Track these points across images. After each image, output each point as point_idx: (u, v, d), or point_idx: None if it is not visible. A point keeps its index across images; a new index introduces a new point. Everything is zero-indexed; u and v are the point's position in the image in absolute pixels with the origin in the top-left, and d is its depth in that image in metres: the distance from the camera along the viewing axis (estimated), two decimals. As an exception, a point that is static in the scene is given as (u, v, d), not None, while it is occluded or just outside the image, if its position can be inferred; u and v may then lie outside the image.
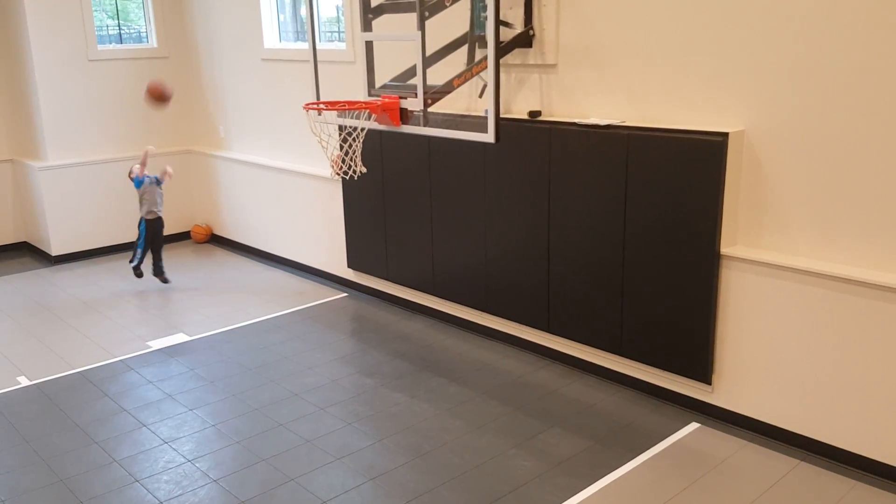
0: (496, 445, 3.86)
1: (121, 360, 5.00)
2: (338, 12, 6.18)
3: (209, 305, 5.99)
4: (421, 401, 4.35)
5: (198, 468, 3.74)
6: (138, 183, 6.17)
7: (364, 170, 4.60)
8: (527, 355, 4.89)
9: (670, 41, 3.88)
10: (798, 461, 3.65)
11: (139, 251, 6.29)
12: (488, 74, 3.81)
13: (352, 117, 4.42)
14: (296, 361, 4.91)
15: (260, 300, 6.08)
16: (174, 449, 3.91)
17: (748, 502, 3.35)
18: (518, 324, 4.93)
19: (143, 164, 6.13)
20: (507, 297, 4.90)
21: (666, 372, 4.19)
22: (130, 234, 7.44)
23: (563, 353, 4.74)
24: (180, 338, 5.37)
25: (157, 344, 5.26)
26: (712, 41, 3.73)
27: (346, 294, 6.16)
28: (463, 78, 4.23)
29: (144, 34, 7.47)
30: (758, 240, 3.76)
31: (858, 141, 3.33)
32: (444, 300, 5.42)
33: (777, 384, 3.76)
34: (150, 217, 6.22)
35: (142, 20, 7.46)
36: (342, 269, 6.25)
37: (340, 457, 3.80)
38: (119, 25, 7.48)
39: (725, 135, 3.64)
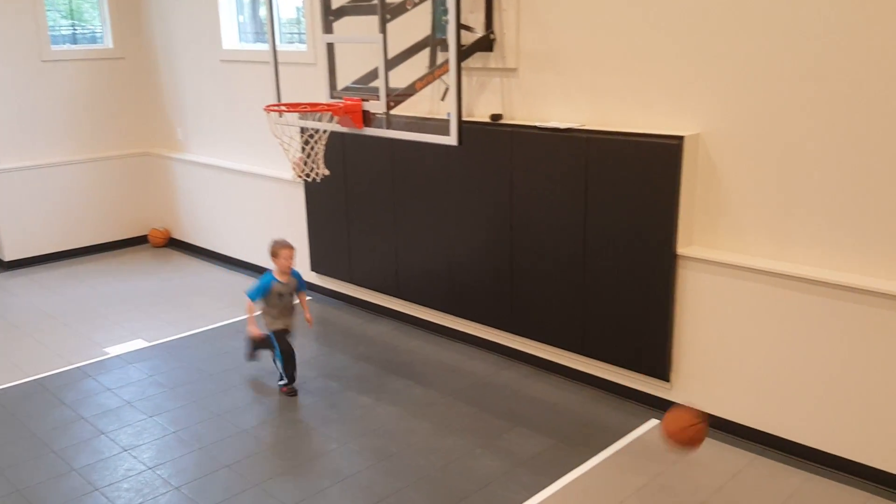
0: (462, 446, 3.89)
1: (78, 368, 4.90)
2: (298, 13, 6.14)
3: (168, 310, 5.90)
4: (386, 403, 4.36)
5: (159, 476, 3.69)
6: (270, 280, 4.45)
7: (326, 172, 4.59)
8: (491, 356, 4.93)
9: (628, 46, 3.96)
10: (754, 455, 3.74)
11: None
12: (450, 78, 3.84)
13: (313, 119, 4.41)
14: (258, 366, 4.87)
15: (221, 304, 6.01)
16: (134, 457, 3.85)
17: (707, 496, 3.44)
18: (482, 325, 4.97)
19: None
20: (471, 298, 4.93)
21: (626, 370, 4.27)
22: (85, 237, 7.30)
23: (526, 354, 4.79)
24: (139, 343, 5.28)
25: (114, 350, 5.17)
26: (668, 46, 3.81)
27: (309, 297, 6.12)
28: (425, 81, 4.26)
29: (99, 35, 7.34)
30: (714, 240, 3.85)
31: (810, 144, 3.43)
32: (408, 302, 5.42)
33: (733, 380, 3.86)
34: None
35: (97, 20, 7.32)
36: (305, 273, 6.21)
37: (305, 461, 3.79)
38: (73, 26, 7.32)
39: (681, 138, 3.73)
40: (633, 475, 3.60)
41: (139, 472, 3.71)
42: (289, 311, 4.52)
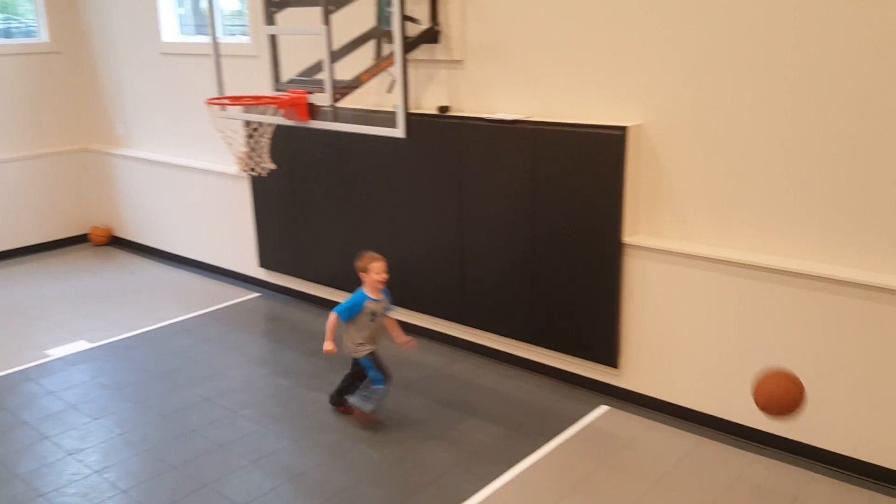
0: (414, 438, 3.89)
1: (18, 371, 4.74)
2: (241, 5, 6.03)
3: (112, 310, 5.76)
4: (338, 398, 4.33)
5: (105, 479, 3.60)
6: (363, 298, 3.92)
7: (272, 166, 4.53)
8: (443, 348, 4.94)
9: (572, 38, 3.99)
10: (702, 438, 3.83)
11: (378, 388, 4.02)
12: (396, 70, 3.82)
13: (257, 113, 4.34)
14: (207, 365, 4.79)
15: (167, 303, 5.88)
16: (79, 461, 3.75)
17: (656, 478, 3.51)
18: (433, 317, 4.97)
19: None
20: (422, 291, 4.93)
21: (576, 358, 4.32)
22: (23, 237, 7.06)
23: (478, 345, 4.81)
24: (81, 345, 5.14)
25: (56, 352, 5.02)
26: (612, 38, 3.85)
27: (258, 294, 6.05)
28: (371, 73, 4.23)
29: (34, 28, 7.08)
30: (659, 229, 3.92)
31: (749, 133, 3.52)
32: (358, 296, 5.39)
33: (680, 365, 3.94)
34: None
35: (31, 14, 7.06)
36: (253, 269, 6.13)
37: (256, 459, 3.74)
38: (7, 20, 7.05)
39: (624, 129, 3.78)
40: (585, 461, 3.66)
41: (85, 477, 3.62)
42: (380, 333, 4.00)
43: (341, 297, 5.53)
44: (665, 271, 3.87)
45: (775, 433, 3.67)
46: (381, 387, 3.93)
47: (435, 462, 3.68)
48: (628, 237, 3.94)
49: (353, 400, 3.99)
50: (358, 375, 4.04)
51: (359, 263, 3.91)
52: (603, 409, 4.14)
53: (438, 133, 4.52)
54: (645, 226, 3.96)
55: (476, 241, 4.54)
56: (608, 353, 4.15)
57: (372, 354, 3.94)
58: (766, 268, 3.52)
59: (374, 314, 3.91)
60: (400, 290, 5.05)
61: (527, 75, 4.22)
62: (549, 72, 4.13)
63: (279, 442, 3.89)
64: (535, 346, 4.50)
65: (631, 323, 4.06)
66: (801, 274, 3.43)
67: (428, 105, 4.67)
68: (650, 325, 4.00)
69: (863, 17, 3.11)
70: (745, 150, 3.54)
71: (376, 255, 3.91)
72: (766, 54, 3.39)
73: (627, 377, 4.16)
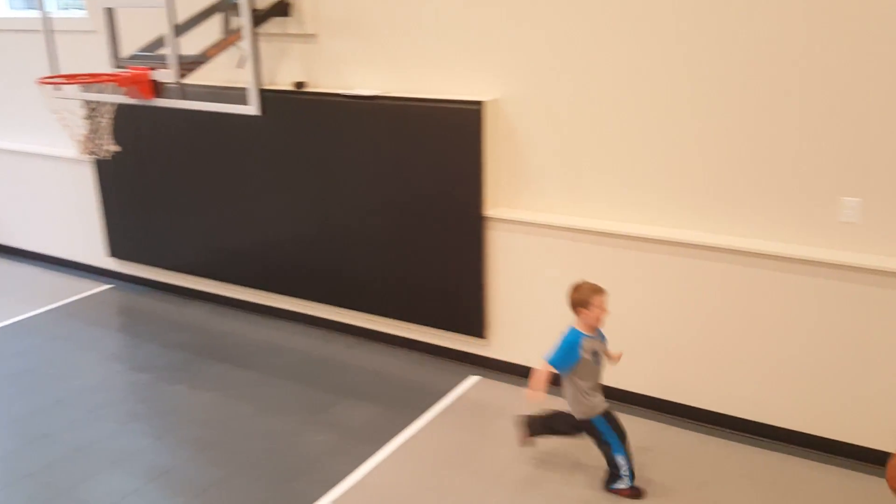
0: (287, 425, 3.81)
1: None
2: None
3: (-57, 313, 5.25)
4: (203, 390, 4.16)
5: (-56, 499, 3.30)
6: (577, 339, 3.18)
7: (116, 148, 4.24)
8: (314, 331, 4.85)
9: (429, 12, 3.97)
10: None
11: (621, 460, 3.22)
12: (245, 44, 3.66)
13: (97, 91, 4.04)
14: (59, 365, 4.46)
15: (7, 301, 5.42)
16: (-89, 481, 3.41)
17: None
18: (302, 300, 4.87)
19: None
20: (289, 273, 4.81)
21: (446, 331, 4.38)
22: None
23: (349, 325, 4.76)
24: None
25: None
26: (468, 14, 3.86)
27: (110, 286, 5.69)
28: (218, 48, 4.04)
29: None
30: (519, 201, 4.01)
31: (600, 106, 3.65)
32: (222, 283, 5.19)
33: (544, 331, 4.06)
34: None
35: None
36: (102, 259, 5.75)
37: (116, 461, 3.54)
38: None
39: (480, 103, 3.82)
40: (458, 432, 3.72)
41: (-82, 499, 3.30)
42: (601, 377, 3.27)
43: (203, 285, 5.31)
44: (526, 242, 3.97)
45: (633, 390, 3.88)
46: (621, 455, 3.17)
47: (310, 447, 3.62)
48: (490, 210, 4.01)
49: (610, 488, 3.24)
50: (576, 429, 3.28)
51: (574, 296, 3.17)
52: (473, 379, 4.22)
53: (295, 110, 4.39)
54: (506, 198, 4.04)
55: (341, 220, 4.47)
56: (475, 325, 4.22)
57: (607, 413, 3.20)
58: (618, 234, 3.70)
59: (595, 353, 3.19)
60: (265, 274, 4.92)
61: (385, 50, 4.17)
62: (407, 47, 4.09)
63: (141, 440, 3.70)
64: (405, 323, 4.51)
65: (496, 294, 4.15)
66: (650, 239, 3.63)
67: (283, 81, 4.52)
68: (515, 295, 4.10)
69: (697, -7, 3.29)
70: (596, 123, 3.68)
71: (597, 286, 3.16)
72: (614, 31, 3.52)
73: (495, 346, 4.26)
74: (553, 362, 3.14)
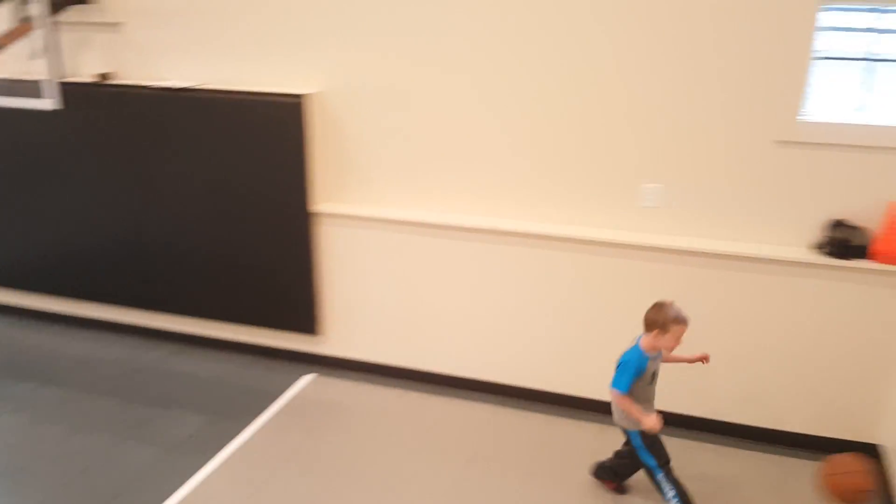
0: (105, 442, 3.54)
1: None
2: None
3: None
4: (6, 413, 3.77)
5: None
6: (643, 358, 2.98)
7: None
8: (132, 340, 4.55)
9: (245, 1, 3.83)
10: (403, 391, 4.03)
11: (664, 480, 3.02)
12: (41, 33, 3.35)
13: None
14: None
15: None
16: None
17: (364, 435, 3.61)
18: (117, 306, 4.55)
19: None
20: (100, 279, 4.46)
21: (277, 331, 4.26)
22: None
23: (171, 332, 4.51)
24: None
25: None
26: (289, 4, 3.77)
27: None
28: (10, 37, 3.67)
29: None
30: (348, 195, 3.98)
31: (424, 102, 3.69)
32: (24, 293, 4.73)
33: (376, 324, 4.09)
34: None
35: None
36: None
37: None
38: None
39: (300, 97, 3.75)
40: (294, 432, 3.64)
41: None
42: (653, 395, 3.06)
43: (4, 295, 4.81)
44: (356, 236, 3.95)
45: (467, 376, 3.99)
46: (660, 475, 2.99)
47: (131, 464, 3.39)
48: (318, 205, 3.95)
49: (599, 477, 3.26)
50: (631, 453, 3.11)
51: (655, 317, 2.90)
52: (308, 378, 4.14)
53: (100, 103, 4.08)
54: (335, 193, 4.00)
55: (157, 220, 4.22)
56: (308, 322, 4.15)
57: (653, 436, 3.01)
58: (447, 226, 3.77)
59: (654, 375, 3.03)
60: (74, 282, 4.54)
61: (199, 41, 3.97)
62: (225, 37, 3.92)
63: (-70, 475, 3.29)
64: (233, 325, 4.34)
65: (329, 289, 4.10)
66: (474, 229, 3.73)
67: (88, 72, 4.18)
68: (347, 290, 4.07)
69: (509, -9, 3.42)
70: (423, 116, 3.72)
71: (681, 316, 2.87)
72: (438, 23, 3.57)
73: (329, 343, 4.21)
74: (619, 386, 2.93)
